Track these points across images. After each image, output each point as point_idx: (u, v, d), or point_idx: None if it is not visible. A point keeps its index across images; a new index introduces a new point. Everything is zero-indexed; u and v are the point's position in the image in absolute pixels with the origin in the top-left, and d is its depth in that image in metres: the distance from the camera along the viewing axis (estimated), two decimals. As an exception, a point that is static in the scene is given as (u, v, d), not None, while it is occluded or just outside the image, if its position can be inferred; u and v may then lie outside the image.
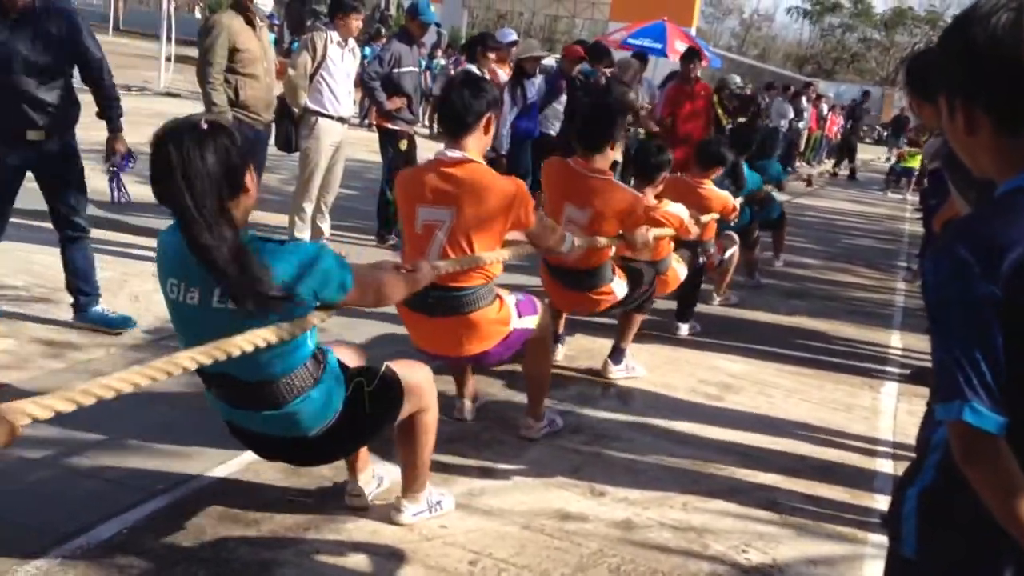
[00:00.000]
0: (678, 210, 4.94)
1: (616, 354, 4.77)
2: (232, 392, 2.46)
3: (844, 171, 20.91)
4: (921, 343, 6.24)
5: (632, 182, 5.05)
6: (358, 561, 2.81)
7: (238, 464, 3.29)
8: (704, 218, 5.49)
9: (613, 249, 4.40)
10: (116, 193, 4.67)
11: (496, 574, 2.81)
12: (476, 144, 3.33)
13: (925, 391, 5.01)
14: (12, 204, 4.36)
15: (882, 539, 3.28)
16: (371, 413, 2.66)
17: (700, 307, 6.24)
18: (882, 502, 3.64)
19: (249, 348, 2.18)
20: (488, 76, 7.64)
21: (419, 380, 2.83)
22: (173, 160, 2.14)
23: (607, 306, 4.52)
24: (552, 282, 4.54)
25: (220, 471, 3.23)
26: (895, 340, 6.34)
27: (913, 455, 3.98)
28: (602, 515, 3.26)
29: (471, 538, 3.00)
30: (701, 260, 5.69)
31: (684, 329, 5.76)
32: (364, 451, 3.07)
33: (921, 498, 1.47)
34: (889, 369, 5.58)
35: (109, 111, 4.53)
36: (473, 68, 7.51)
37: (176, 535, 2.80)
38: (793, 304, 7.01)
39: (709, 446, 4.01)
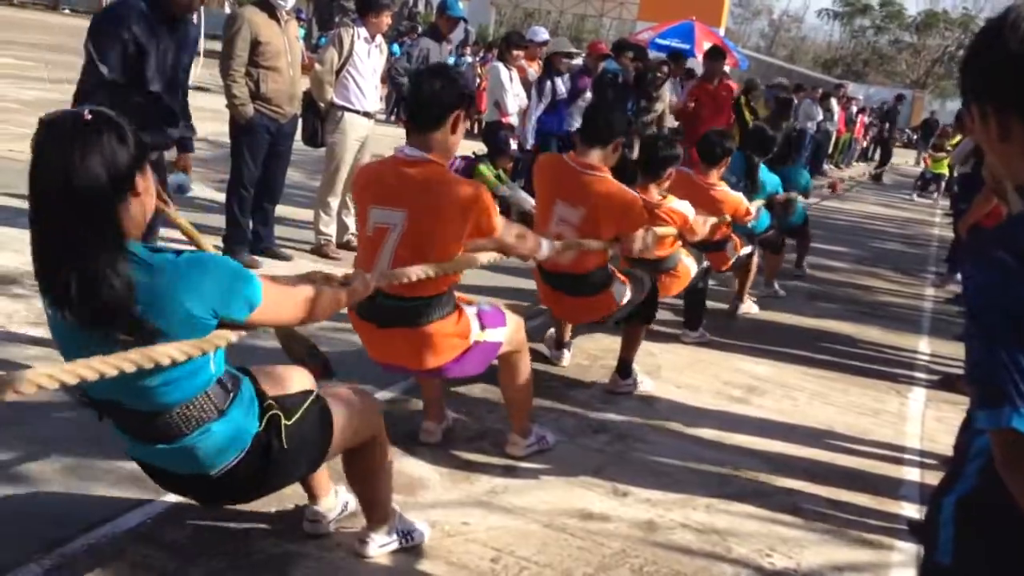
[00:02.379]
0: (683, 207, 4.68)
1: (623, 368, 4.50)
2: (123, 422, 2.17)
3: (875, 171, 20.73)
4: (950, 349, 6.17)
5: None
6: (380, 556, 2.80)
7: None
8: (714, 220, 5.20)
9: (611, 251, 4.16)
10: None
11: (518, 572, 2.80)
12: (441, 143, 3.01)
13: (954, 397, 4.98)
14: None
15: (909, 547, 3.27)
16: (289, 450, 2.30)
17: (723, 308, 6.22)
18: (909, 509, 3.60)
19: (130, 368, 1.88)
20: (517, 74, 7.65)
21: (356, 412, 2.53)
22: (50, 164, 1.86)
23: (608, 313, 4.26)
24: (546, 287, 4.29)
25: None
26: (923, 345, 6.27)
27: (938, 462, 3.96)
28: (625, 515, 3.24)
29: (493, 535, 2.99)
30: (705, 263, 5.34)
31: (692, 337, 5.48)
32: (325, 474, 2.82)
33: (959, 505, 1.44)
34: (917, 375, 5.52)
35: (187, 130, 4.27)
36: (501, 66, 7.50)
37: (200, 526, 2.81)
38: (819, 307, 6.95)
39: (733, 448, 3.98)
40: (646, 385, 4.56)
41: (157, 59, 3.83)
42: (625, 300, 4.21)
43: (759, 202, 6.08)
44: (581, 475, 3.52)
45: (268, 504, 2.98)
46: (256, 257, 5.82)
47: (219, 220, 6.13)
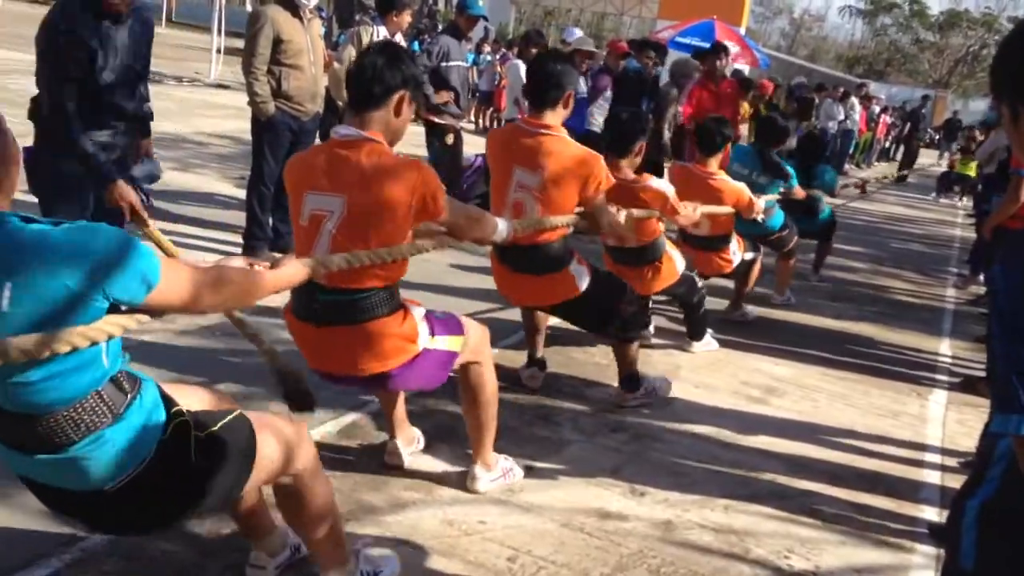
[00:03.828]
0: (662, 186, 4.35)
1: (627, 382, 4.22)
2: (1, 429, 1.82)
3: (900, 172, 20.58)
4: (971, 351, 6.13)
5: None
6: (398, 553, 2.81)
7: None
8: (714, 209, 4.91)
9: (571, 229, 3.82)
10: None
11: (535, 571, 2.80)
12: (381, 125, 2.72)
13: (975, 400, 4.95)
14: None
15: (929, 550, 3.25)
16: (200, 468, 1.98)
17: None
18: (929, 512, 3.58)
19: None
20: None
21: (285, 438, 2.20)
22: None
23: (564, 298, 3.85)
24: (501, 268, 3.92)
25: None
26: (944, 347, 6.21)
27: (959, 465, 3.92)
28: (642, 515, 3.23)
29: (510, 534, 2.99)
30: (694, 273, 4.96)
31: (697, 346, 5.20)
32: (263, 508, 2.52)
33: (983, 509, 1.43)
34: (938, 377, 5.47)
35: (145, 120, 4.14)
36: (521, 63, 7.51)
37: (219, 522, 2.81)
38: (839, 308, 6.91)
39: (751, 449, 3.96)
40: (663, 391, 4.34)
41: (106, 57, 3.68)
42: (584, 286, 3.83)
43: (772, 196, 5.78)
44: (598, 475, 3.51)
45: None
46: (276, 254, 5.85)
47: (239, 217, 6.17)
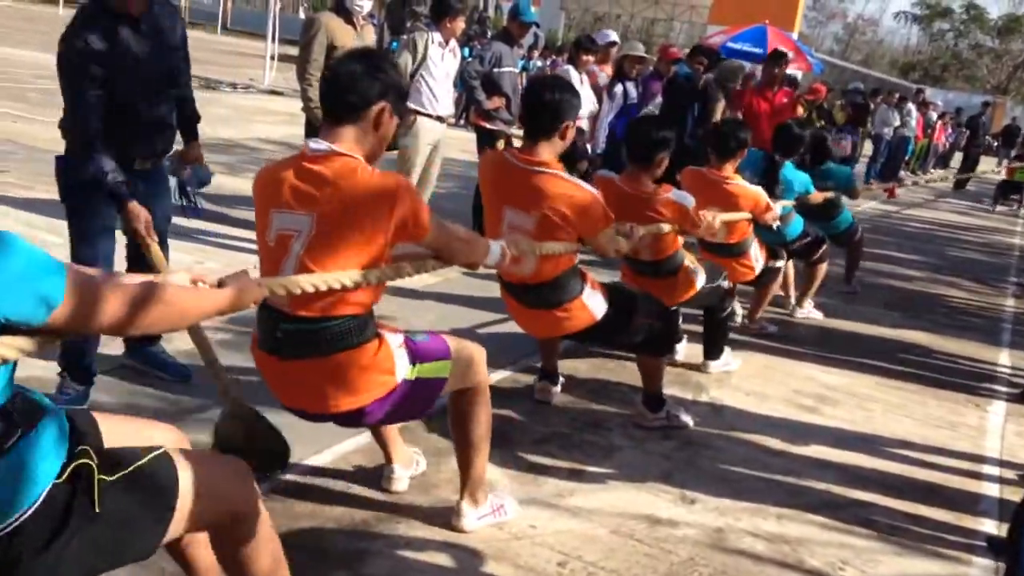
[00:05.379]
0: (681, 199, 4.14)
1: (650, 401, 4.02)
2: None
3: (958, 178, 20.20)
4: (1032, 362, 5.99)
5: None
6: (448, 556, 2.83)
7: (332, 454, 3.35)
8: (733, 216, 4.75)
9: (578, 257, 3.64)
10: (190, 210, 4.06)
11: (585, 577, 2.80)
12: (356, 138, 2.46)
13: (1036, 412, 4.83)
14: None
15: (987, 562, 3.19)
16: (105, 516, 1.69)
17: (779, 313, 6.12)
18: (988, 525, 3.51)
19: None
20: (587, 77, 7.63)
21: (216, 478, 1.91)
22: None
23: (580, 328, 3.68)
24: (508, 298, 3.76)
25: (315, 459, 3.28)
26: (1003, 358, 6.08)
27: (1018, 477, 3.83)
28: (693, 522, 3.22)
29: (560, 539, 2.99)
30: (724, 284, 4.70)
31: (713, 367, 4.86)
32: (206, 554, 2.13)
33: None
34: (997, 388, 5.35)
35: (192, 123, 3.91)
36: (572, 69, 7.51)
37: (274, 521, 2.85)
38: (893, 316, 6.79)
39: (804, 459, 3.91)
40: (683, 419, 4.04)
41: (126, 68, 3.37)
42: (601, 313, 3.66)
43: (786, 202, 5.53)
44: (648, 481, 3.50)
45: (340, 499, 3.03)
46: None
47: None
